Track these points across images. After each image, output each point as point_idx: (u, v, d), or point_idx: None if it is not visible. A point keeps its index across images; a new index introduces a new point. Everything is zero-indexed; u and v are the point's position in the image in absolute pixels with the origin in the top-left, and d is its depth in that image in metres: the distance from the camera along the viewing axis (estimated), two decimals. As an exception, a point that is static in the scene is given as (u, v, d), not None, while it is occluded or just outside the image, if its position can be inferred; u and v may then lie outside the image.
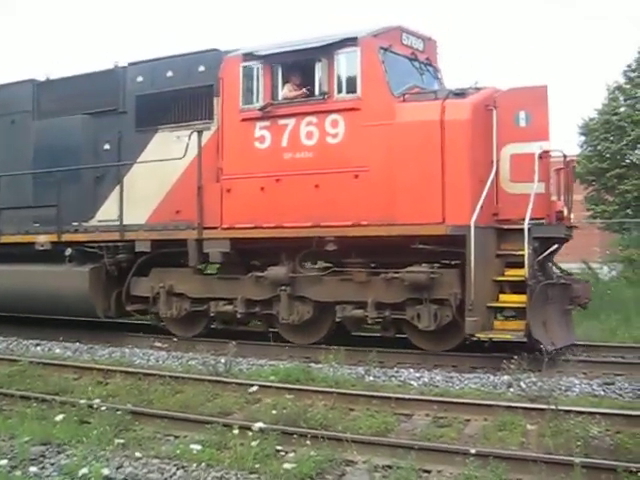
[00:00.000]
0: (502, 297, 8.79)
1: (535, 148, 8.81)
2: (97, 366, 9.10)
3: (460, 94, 9.19)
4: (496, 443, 5.89)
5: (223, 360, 8.92)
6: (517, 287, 8.61)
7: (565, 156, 9.54)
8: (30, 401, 7.10)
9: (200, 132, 10.23)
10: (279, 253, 10.09)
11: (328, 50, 9.45)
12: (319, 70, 9.51)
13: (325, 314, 9.98)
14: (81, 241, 11.46)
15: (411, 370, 8.85)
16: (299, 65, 9.79)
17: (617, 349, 9.97)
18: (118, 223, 11.17)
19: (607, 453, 5.53)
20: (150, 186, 10.78)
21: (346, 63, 9.43)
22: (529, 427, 6.23)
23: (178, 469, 5.33)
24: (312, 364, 9.01)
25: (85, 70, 12.08)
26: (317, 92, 9.56)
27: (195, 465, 5.35)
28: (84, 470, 5.06)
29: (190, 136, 10.25)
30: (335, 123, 9.43)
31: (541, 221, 8.91)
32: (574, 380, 8.03)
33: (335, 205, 9.29)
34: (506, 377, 8.06)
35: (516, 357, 7.88)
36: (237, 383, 7.90)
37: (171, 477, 5.21)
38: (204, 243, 10.31)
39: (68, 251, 11.42)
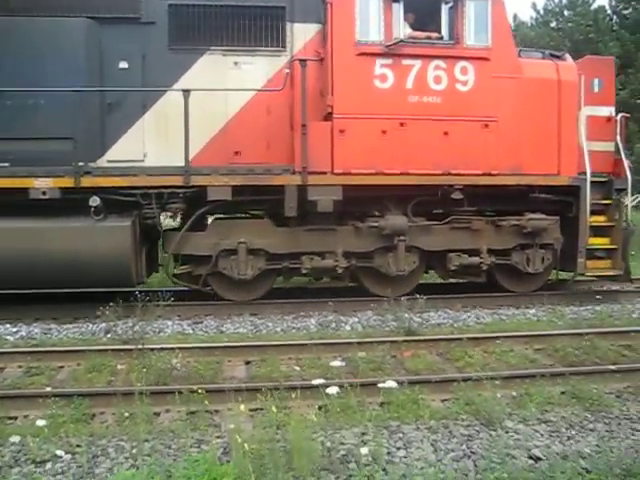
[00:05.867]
0: (591, 240, 9.97)
1: (605, 112, 10.18)
2: None
3: (558, 57, 10.05)
4: (84, 384, 6.27)
5: None
6: (600, 231, 10.04)
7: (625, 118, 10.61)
8: None
9: (304, 62, 8.85)
10: (386, 201, 9.65)
11: None
12: (447, 13, 9.25)
13: (423, 265, 10.05)
14: (113, 186, 8.70)
15: (7, 325, 8.69)
16: (422, 4, 9.26)
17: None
18: (142, 164, 8.96)
19: (183, 380, 6.28)
20: (192, 121, 8.73)
21: (476, 11, 9.26)
22: (119, 367, 6.78)
23: None
24: None
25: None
26: (446, 36, 9.28)
27: None
28: None
29: (290, 65, 8.99)
30: (464, 70, 9.29)
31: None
32: (168, 322, 8.76)
33: (465, 153, 9.31)
34: (104, 324, 8.42)
35: (111, 305, 8.21)
36: None
37: None
38: (309, 190, 9.00)
39: (95, 200, 8.56)
